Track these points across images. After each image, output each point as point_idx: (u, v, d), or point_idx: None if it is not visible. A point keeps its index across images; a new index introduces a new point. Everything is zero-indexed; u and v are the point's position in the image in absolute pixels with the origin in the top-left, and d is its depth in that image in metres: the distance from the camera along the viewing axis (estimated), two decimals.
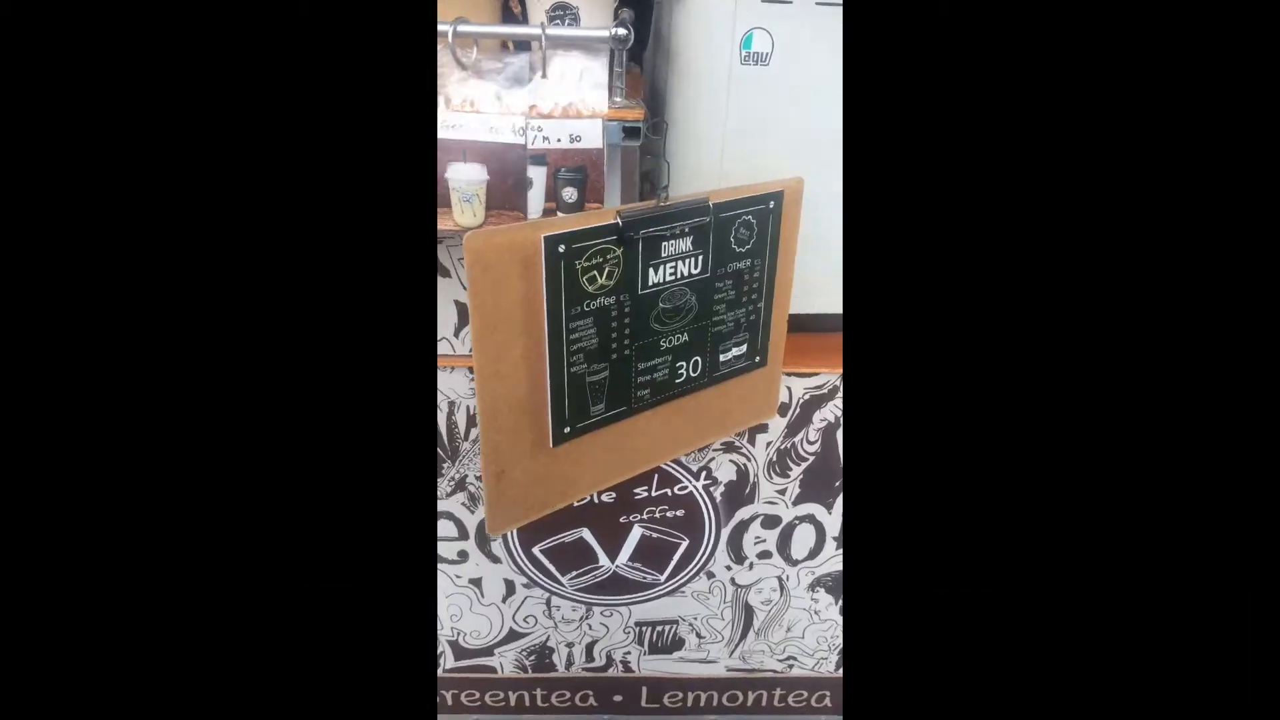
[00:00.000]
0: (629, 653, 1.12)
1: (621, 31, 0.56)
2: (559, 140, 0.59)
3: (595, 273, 0.61)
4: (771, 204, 0.71)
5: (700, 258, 0.68)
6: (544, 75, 0.57)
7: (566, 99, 0.58)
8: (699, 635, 1.10)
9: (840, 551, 1.01)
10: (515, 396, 0.61)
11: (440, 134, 0.57)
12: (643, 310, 0.66)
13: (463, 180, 0.60)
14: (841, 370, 0.87)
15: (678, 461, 0.91)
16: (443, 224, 0.61)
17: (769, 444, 0.91)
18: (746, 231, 0.70)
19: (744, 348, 0.77)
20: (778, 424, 0.89)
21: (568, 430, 0.66)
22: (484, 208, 0.61)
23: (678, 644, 1.11)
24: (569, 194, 0.60)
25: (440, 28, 0.55)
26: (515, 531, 0.96)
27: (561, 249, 0.57)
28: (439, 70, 0.57)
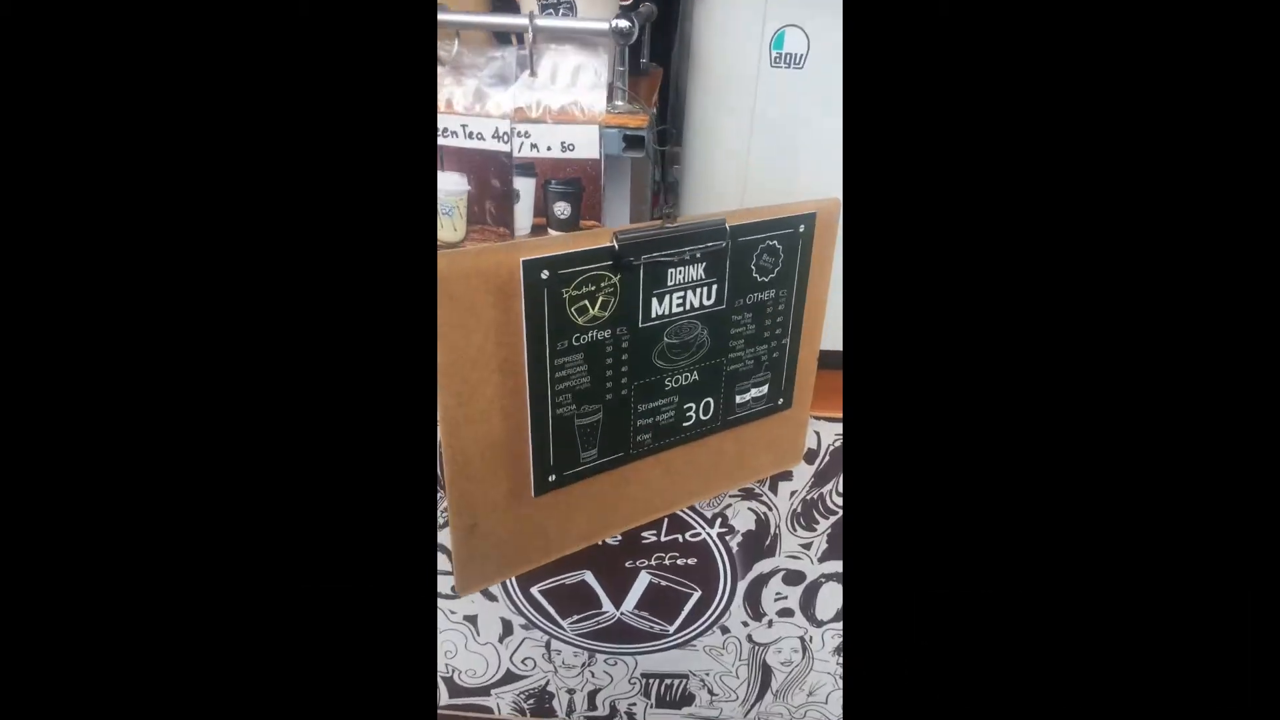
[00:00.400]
0: (634, 704, 1.03)
1: (623, 24, 0.48)
2: (549, 148, 0.51)
3: (586, 303, 0.52)
4: (801, 228, 0.61)
5: (714, 287, 0.59)
6: (532, 73, 0.49)
7: (558, 101, 0.50)
8: (711, 692, 1.00)
9: None
10: (489, 440, 0.53)
11: None
12: (644, 346, 0.57)
13: (442, 191, 0.52)
14: None
15: (691, 505, 0.82)
16: None
17: (793, 493, 0.81)
18: (771, 259, 0.61)
19: (765, 388, 0.67)
20: (803, 471, 0.79)
21: (553, 479, 0.58)
22: (465, 222, 0.53)
23: (688, 699, 1.01)
24: (561, 209, 0.52)
25: None
26: None
27: (544, 275, 0.49)
28: None
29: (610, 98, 0.51)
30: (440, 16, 0.49)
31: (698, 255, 0.56)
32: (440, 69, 0.50)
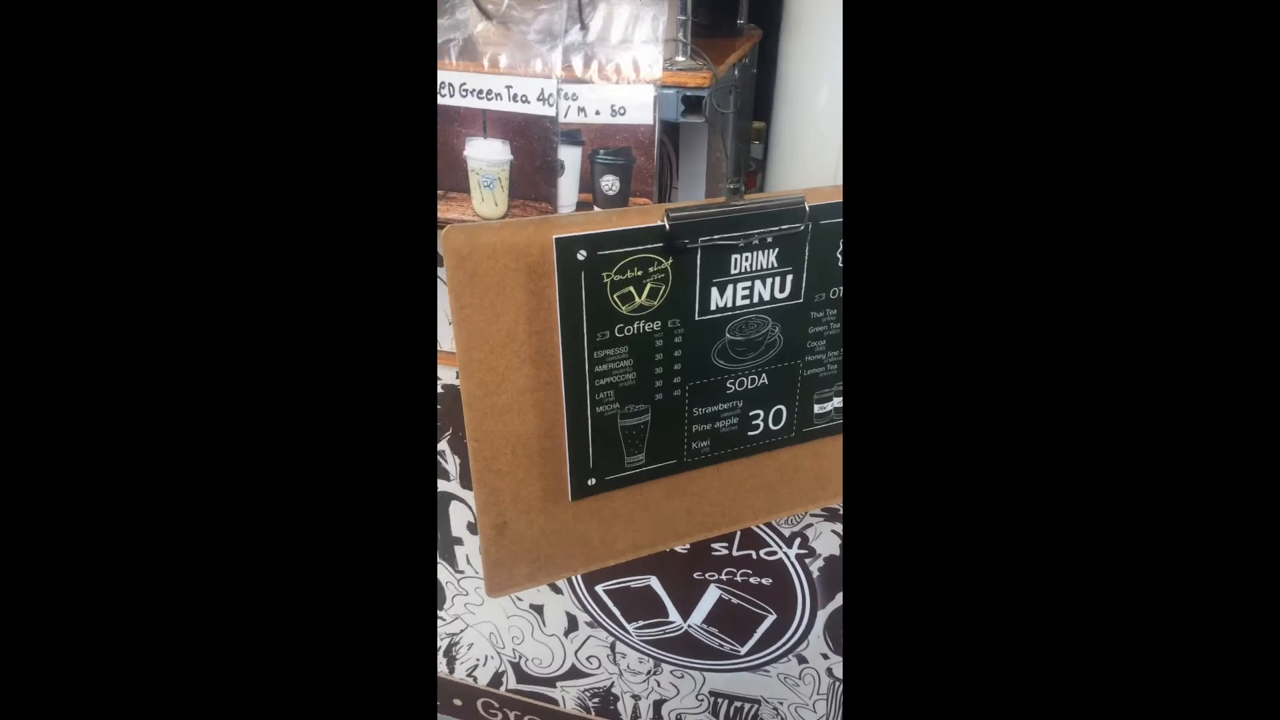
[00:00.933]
0: None
1: None
2: (598, 113, 0.45)
3: (632, 289, 0.46)
4: None
5: (789, 278, 0.51)
6: (583, 26, 0.43)
7: (610, 59, 0.43)
8: None
9: None
10: (520, 434, 0.49)
11: (455, 100, 0.46)
12: (701, 341, 0.50)
13: (483, 160, 0.48)
14: None
15: (767, 522, 0.73)
16: (461, 212, 0.50)
17: None
18: None
19: None
20: None
21: (593, 482, 0.52)
22: (506, 195, 0.49)
23: None
24: (609, 183, 0.46)
25: None
26: None
27: (582, 255, 0.44)
28: (465, 18, 0.46)
29: (675, 53, 0.44)
30: None
31: (769, 240, 0.48)
32: (487, 24, 0.45)
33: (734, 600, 0.81)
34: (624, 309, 0.47)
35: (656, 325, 0.48)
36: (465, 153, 0.48)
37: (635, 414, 0.51)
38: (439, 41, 0.46)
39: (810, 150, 0.56)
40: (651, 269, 0.46)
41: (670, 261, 0.46)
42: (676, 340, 0.49)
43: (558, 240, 0.43)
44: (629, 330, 0.48)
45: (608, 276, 0.45)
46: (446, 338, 0.67)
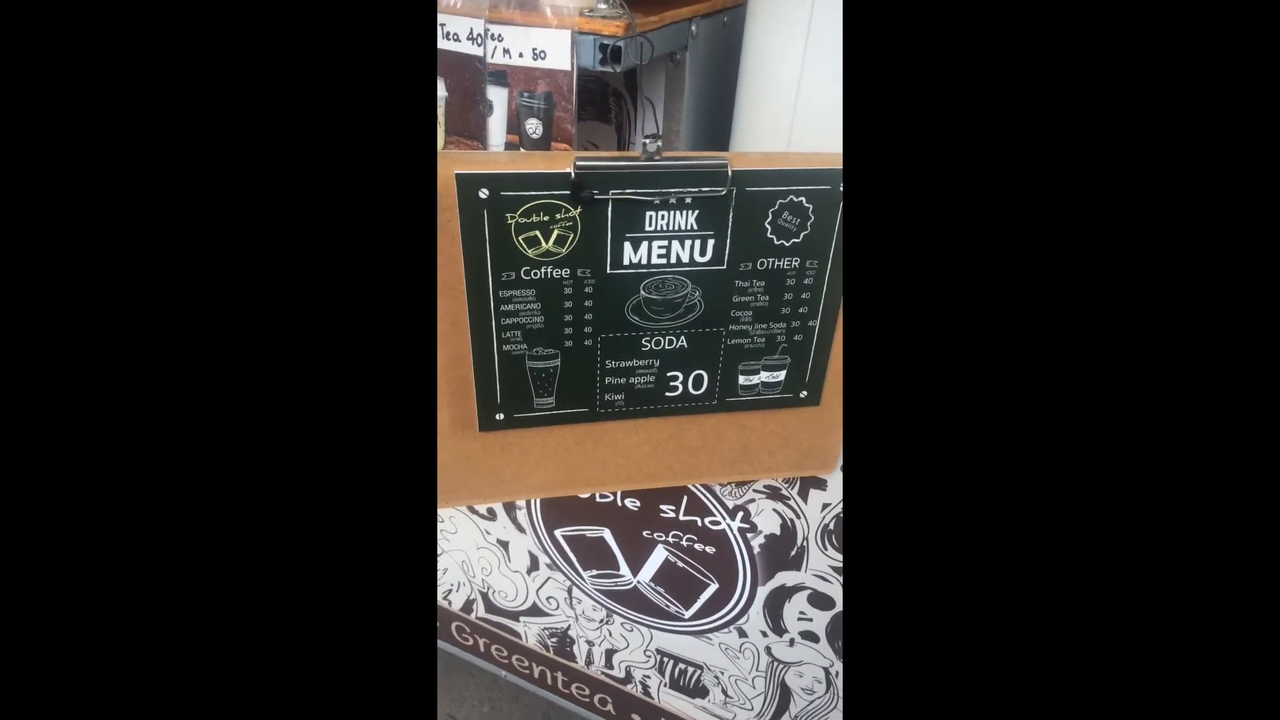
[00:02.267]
0: (649, 677, 0.99)
1: None
2: (521, 55, 0.45)
3: (538, 234, 0.47)
4: (843, 186, 0.50)
5: (710, 241, 0.50)
6: None
7: (535, 1, 0.44)
8: (725, 693, 0.93)
9: None
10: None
11: None
12: (614, 294, 0.51)
13: None
14: None
15: (710, 490, 0.74)
16: None
17: (825, 505, 0.69)
18: (795, 218, 0.50)
19: (780, 374, 0.57)
20: (840, 482, 0.67)
21: (500, 418, 0.54)
22: (443, 131, 0.50)
23: (701, 691, 0.95)
24: (532, 126, 0.47)
25: None
26: (540, 507, 0.88)
27: (483, 194, 0.45)
28: None
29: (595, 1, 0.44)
30: None
31: (687, 200, 0.48)
32: None
33: (679, 563, 0.83)
34: (530, 252, 0.48)
35: (565, 273, 0.49)
36: None
37: (544, 357, 0.52)
38: None
39: (767, 108, 0.55)
40: (559, 215, 0.47)
41: (579, 211, 0.47)
42: (587, 290, 0.50)
43: (458, 176, 0.44)
44: (536, 274, 0.49)
45: (512, 218, 0.46)
46: None
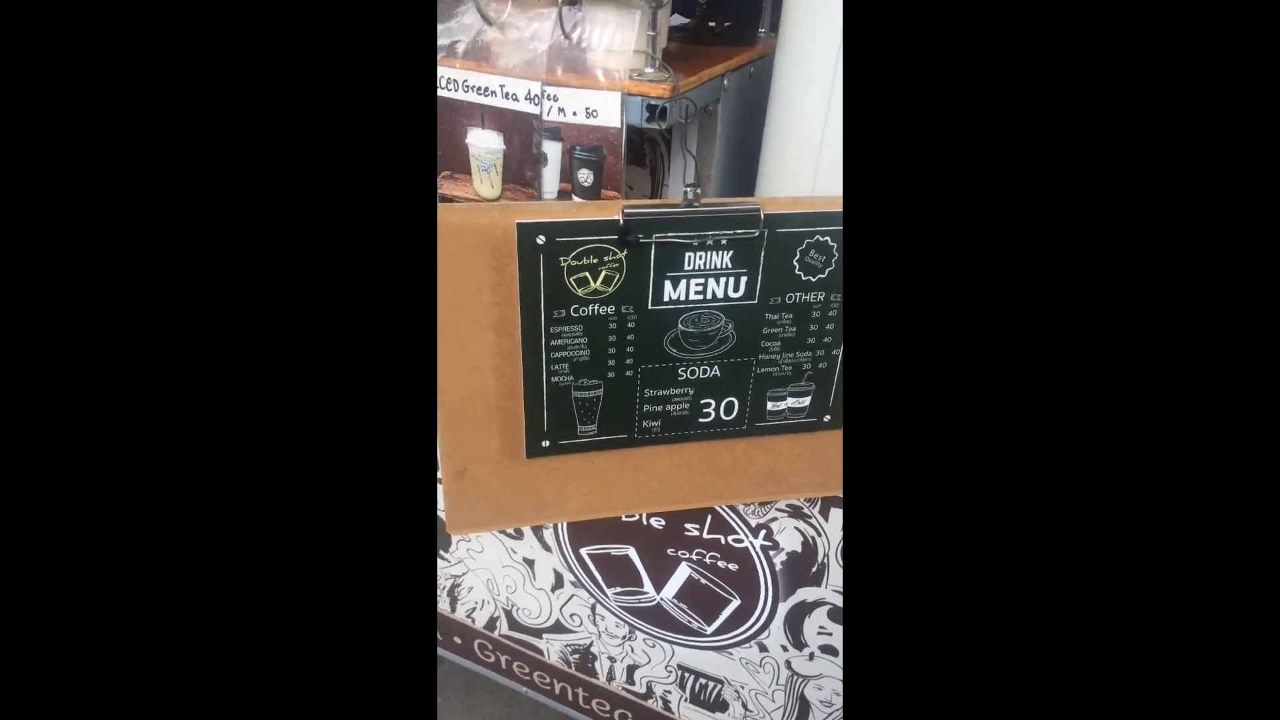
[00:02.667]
0: (669, 692, 1.01)
1: None
2: (574, 114, 0.50)
3: (588, 274, 0.51)
4: None
5: (743, 279, 0.54)
6: (565, 35, 0.49)
7: (587, 66, 0.48)
8: (746, 707, 0.95)
9: None
10: (483, 392, 0.55)
11: (459, 94, 0.52)
12: (654, 329, 0.55)
13: (481, 148, 0.54)
14: None
15: (735, 510, 0.77)
16: (464, 191, 0.57)
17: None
18: (821, 255, 0.55)
19: (805, 400, 0.61)
20: None
21: (546, 444, 0.58)
22: (500, 179, 0.55)
23: (721, 706, 0.98)
24: (584, 176, 0.51)
25: None
26: (567, 526, 0.91)
27: (540, 240, 0.49)
28: (470, 23, 0.52)
29: (641, 66, 0.49)
30: None
31: (722, 242, 0.52)
32: (491, 29, 0.51)
33: (702, 580, 0.86)
34: (579, 292, 0.52)
35: (611, 310, 0.53)
36: (466, 140, 0.55)
37: (588, 388, 0.56)
38: (448, 42, 0.52)
39: (793, 155, 0.60)
40: (607, 258, 0.51)
41: (625, 253, 0.51)
42: (630, 325, 0.54)
43: (519, 225, 0.48)
44: (584, 311, 0.53)
45: (564, 261, 0.50)
46: None
